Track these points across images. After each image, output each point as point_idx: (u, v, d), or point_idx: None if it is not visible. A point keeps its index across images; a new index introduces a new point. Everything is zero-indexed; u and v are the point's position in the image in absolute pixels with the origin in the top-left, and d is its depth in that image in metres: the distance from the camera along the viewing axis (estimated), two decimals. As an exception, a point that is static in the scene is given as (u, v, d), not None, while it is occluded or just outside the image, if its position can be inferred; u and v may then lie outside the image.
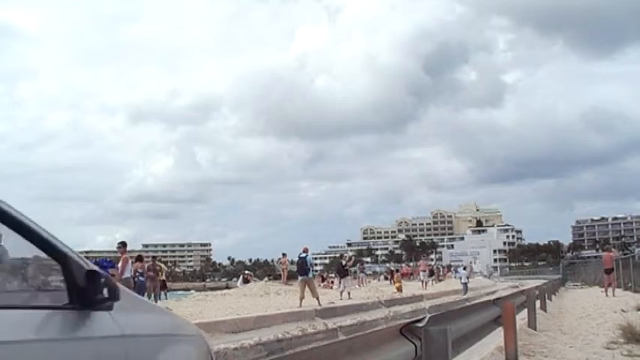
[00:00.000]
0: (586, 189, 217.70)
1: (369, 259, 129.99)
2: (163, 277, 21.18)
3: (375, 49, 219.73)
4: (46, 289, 2.07)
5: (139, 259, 20.02)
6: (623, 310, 12.68)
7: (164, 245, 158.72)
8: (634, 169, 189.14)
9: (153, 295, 18.47)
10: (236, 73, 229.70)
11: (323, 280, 35.49)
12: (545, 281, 29.03)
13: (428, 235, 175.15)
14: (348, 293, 21.10)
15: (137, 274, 18.68)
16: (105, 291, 1.94)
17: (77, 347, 1.82)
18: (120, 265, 13.34)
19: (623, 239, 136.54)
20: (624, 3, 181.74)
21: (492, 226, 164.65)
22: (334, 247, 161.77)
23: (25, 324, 1.68)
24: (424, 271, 35.94)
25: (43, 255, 1.88)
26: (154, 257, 22.32)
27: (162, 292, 18.87)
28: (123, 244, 13.69)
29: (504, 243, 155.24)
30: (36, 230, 1.85)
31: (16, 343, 1.59)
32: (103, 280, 1.94)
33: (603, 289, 20.82)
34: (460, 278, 32.66)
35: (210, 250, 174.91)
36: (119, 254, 13.99)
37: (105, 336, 1.96)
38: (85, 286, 1.89)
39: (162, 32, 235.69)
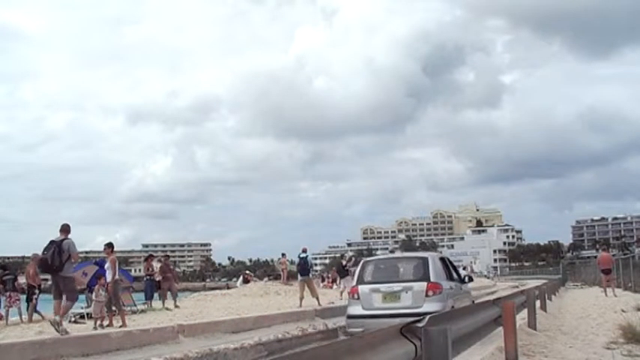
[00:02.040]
0: (586, 189, 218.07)
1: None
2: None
3: (374, 51, 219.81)
4: (458, 278, 11.35)
5: (150, 259, 19.65)
6: (623, 310, 12.69)
7: (164, 245, 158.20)
8: (633, 169, 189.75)
9: (171, 294, 17.93)
10: (235, 74, 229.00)
11: (323, 280, 35.40)
12: (545, 281, 29.06)
13: (428, 235, 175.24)
14: (348, 293, 20.99)
15: (147, 274, 18.45)
16: (467, 279, 12.56)
17: (464, 293, 11.26)
18: (108, 266, 12.38)
19: (623, 239, 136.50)
20: (621, 4, 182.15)
21: (492, 226, 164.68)
22: (334, 247, 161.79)
23: (454, 285, 10.68)
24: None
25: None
26: (166, 256, 21.15)
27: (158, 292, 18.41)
28: (109, 245, 12.70)
29: (504, 243, 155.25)
30: (455, 267, 12.02)
31: (452, 289, 10.37)
32: (464, 276, 13.20)
33: (603, 289, 20.82)
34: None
35: (210, 250, 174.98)
36: (105, 255, 12.93)
37: (466, 290, 11.72)
38: (463, 277, 12.27)
39: (161, 34, 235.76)
